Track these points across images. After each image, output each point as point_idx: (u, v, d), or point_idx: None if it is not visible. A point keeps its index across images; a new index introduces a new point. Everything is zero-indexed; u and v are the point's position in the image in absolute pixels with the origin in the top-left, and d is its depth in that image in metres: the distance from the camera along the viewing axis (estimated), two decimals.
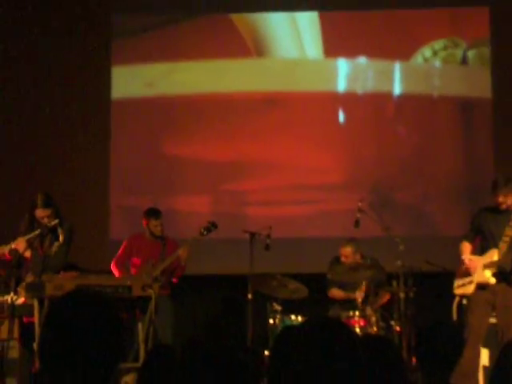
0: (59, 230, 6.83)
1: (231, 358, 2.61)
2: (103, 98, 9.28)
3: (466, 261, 6.62)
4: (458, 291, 6.69)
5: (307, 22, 9.24)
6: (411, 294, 7.26)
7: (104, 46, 9.30)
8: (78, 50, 9.25)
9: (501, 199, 6.53)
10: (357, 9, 9.21)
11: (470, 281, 6.59)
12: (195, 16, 9.39)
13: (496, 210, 6.66)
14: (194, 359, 2.47)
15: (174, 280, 7.47)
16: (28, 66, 9.24)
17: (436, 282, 7.71)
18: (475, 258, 6.63)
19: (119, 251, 7.61)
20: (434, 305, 7.62)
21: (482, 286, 6.54)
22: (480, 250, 6.71)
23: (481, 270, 6.53)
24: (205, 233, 7.42)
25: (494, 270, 6.50)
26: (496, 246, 6.55)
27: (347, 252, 7.70)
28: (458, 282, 6.70)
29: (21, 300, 6.61)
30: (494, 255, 6.53)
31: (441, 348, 3.48)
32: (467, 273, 6.62)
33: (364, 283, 7.41)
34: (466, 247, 6.75)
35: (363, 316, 7.24)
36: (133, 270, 7.45)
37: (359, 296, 7.40)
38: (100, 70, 9.30)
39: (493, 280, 6.49)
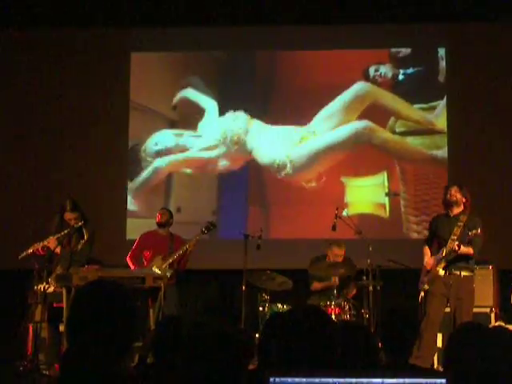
0: (84, 231, 6.83)
1: (227, 339, 2.60)
2: (122, 101, 9.16)
3: (426, 263, 6.61)
4: (420, 287, 6.67)
5: None
6: (378, 287, 7.27)
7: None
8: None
9: (452, 192, 6.59)
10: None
11: (428, 277, 6.59)
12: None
13: (446, 215, 6.68)
14: (198, 338, 2.47)
15: (182, 268, 7.40)
16: (47, 76, 9.14)
17: (399, 277, 7.71)
18: (432, 258, 6.62)
19: (133, 246, 7.56)
20: (396, 296, 7.61)
21: (434, 280, 6.52)
22: (436, 250, 6.70)
23: (435, 266, 6.53)
24: (205, 231, 7.42)
25: (444, 264, 6.50)
26: (446, 244, 6.54)
27: (341, 252, 7.62)
28: (421, 280, 6.68)
29: (51, 288, 6.60)
30: (443, 252, 6.52)
31: (399, 331, 3.47)
32: (427, 271, 6.61)
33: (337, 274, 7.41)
34: (427, 251, 6.74)
35: (338, 305, 7.23)
36: (144, 263, 7.41)
37: (334, 281, 7.36)
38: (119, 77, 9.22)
39: (442, 272, 6.48)
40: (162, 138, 9.19)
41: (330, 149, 9.02)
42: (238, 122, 9.14)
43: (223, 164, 9.09)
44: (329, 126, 9.05)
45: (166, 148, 9.15)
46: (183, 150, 9.15)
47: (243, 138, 9.11)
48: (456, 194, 6.58)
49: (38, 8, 8.99)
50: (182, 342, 2.37)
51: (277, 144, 9.10)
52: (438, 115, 8.96)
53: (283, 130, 9.12)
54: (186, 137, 9.18)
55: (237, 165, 9.09)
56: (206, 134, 9.18)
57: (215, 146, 9.11)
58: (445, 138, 8.95)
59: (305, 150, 9.05)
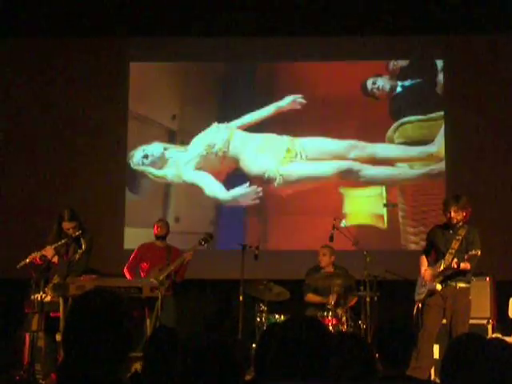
0: (82, 240, 6.82)
1: (224, 349, 2.59)
2: (121, 111, 9.18)
3: (423, 274, 6.61)
4: (417, 298, 6.66)
5: None
6: (375, 298, 7.26)
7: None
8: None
9: (452, 215, 6.49)
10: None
11: (425, 289, 6.58)
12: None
13: (446, 226, 6.64)
14: (194, 349, 2.46)
15: (179, 279, 7.38)
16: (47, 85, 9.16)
17: (396, 288, 7.70)
18: (429, 269, 6.60)
19: (130, 258, 7.55)
20: (394, 307, 7.59)
21: (431, 293, 6.52)
22: (434, 262, 6.69)
23: (432, 279, 6.52)
24: (203, 243, 7.40)
25: (441, 279, 6.49)
26: (444, 258, 6.52)
27: (325, 251, 7.72)
28: (417, 291, 6.67)
29: (48, 298, 6.58)
30: (441, 266, 6.50)
31: (397, 342, 3.47)
32: (424, 283, 6.60)
33: (334, 290, 7.39)
34: (424, 261, 6.72)
35: (335, 316, 7.22)
36: (142, 274, 7.40)
37: (331, 300, 7.37)
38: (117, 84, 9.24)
39: (439, 287, 6.46)
40: (152, 148, 9.19)
41: (317, 179, 9.03)
42: (220, 133, 9.15)
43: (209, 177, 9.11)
44: (315, 154, 9.07)
45: (153, 158, 9.15)
46: (167, 162, 9.15)
47: (226, 149, 9.11)
48: (456, 216, 6.48)
49: (38, 18, 9.01)
50: (176, 353, 2.37)
51: (263, 154, 9.11)
52: (437, 145, 8.98)
53: (268, 138, 9.13)
54: (172, 151, 9.18)
55: (222, 176, 9.09)
56: (191, 149, 9.18)
57: (200, 161, 9.11)
58: (442, 150, 8.97)
59: (293, 169, 9.06)
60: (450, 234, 6.56)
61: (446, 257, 6.45)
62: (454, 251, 6.44)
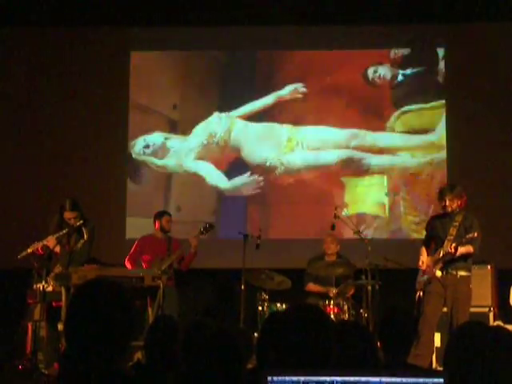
0: (84, 230, 6.82)
1: (226, 338, 2.59)
2: (122, 100, 9.16)
3: (422, 263, 6.61)
4: (418, 287, 6.66)
5: None
6: (377, 287, 7.26)
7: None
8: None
9: (447, 203, 6.50)
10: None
11: (425, 278, 6.58)
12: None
13: (442, 215, 6.65)
14: (197, 337, 2.46)
15: (185, 267, 7.38)
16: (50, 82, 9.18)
17: (397, 277, 7.70)
18: (429, 258, 6.60)
19: (132, 250, 7.52)
20: (395, 295, 7.60)
21: (430, 280, 6.51)
22: (434, 251, 6.69)
23: (432, 267, 6.52)
24: (204, 232, 7.39)
25: (441, 265, 6.49)
26: (443, 245, 6.52)
27: (332, 239, 7.79)
28: (418, 280, 6.68)
29: (50, 288, 6.60)
30: (440, 253, 6.50)
31: (398, 331, 3.47)
32: (425, 272, 6.60)
33: (335, 280, 7.40)
34: (424, 251, 6.72)
35: (337, 305, 7.23)
36: (143, 265, 7.39)
37: (331, 291, 7.38)
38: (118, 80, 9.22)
39: (439, 273, 6.46)
40: (152, 138, 9.17)
41: (318, 168, 9.01)
42: (221, 123, 9.13)
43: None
44: (316, 143, 9.05)
45: (154, 148, 9.14)
46: (168, 151, 9.13)
47: (227, 138, 9.11)
48: (451, 204, 6.50)
49: (37, 7, 8.97)
50: (177, 342, 2.37)
51: (264, 143, 9.09)
52: (438, 134, 8.96)
53: (269, 127, 9.12)
54: (173, 140, 9.17)
55: (224, 165, 9.08)
56: (191, 138, 9.16)
57: (201, 150, 9.10)
58: (443, 138, 8.95)
59: (295, 158, 9.04)
60: (448, 221, 6.56)
61: (445, 243, 6.45)
62: (452, 237, 6.44)
